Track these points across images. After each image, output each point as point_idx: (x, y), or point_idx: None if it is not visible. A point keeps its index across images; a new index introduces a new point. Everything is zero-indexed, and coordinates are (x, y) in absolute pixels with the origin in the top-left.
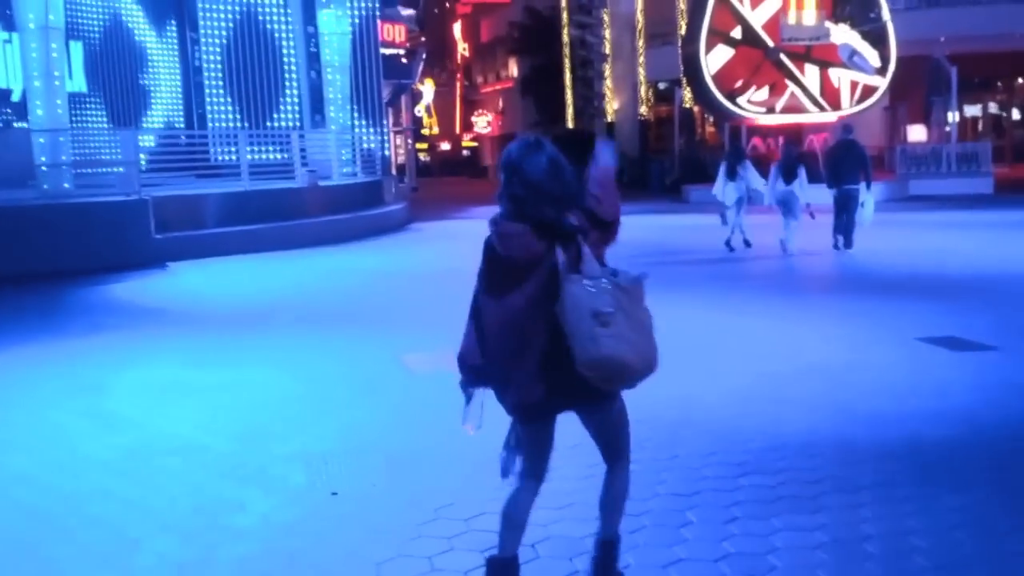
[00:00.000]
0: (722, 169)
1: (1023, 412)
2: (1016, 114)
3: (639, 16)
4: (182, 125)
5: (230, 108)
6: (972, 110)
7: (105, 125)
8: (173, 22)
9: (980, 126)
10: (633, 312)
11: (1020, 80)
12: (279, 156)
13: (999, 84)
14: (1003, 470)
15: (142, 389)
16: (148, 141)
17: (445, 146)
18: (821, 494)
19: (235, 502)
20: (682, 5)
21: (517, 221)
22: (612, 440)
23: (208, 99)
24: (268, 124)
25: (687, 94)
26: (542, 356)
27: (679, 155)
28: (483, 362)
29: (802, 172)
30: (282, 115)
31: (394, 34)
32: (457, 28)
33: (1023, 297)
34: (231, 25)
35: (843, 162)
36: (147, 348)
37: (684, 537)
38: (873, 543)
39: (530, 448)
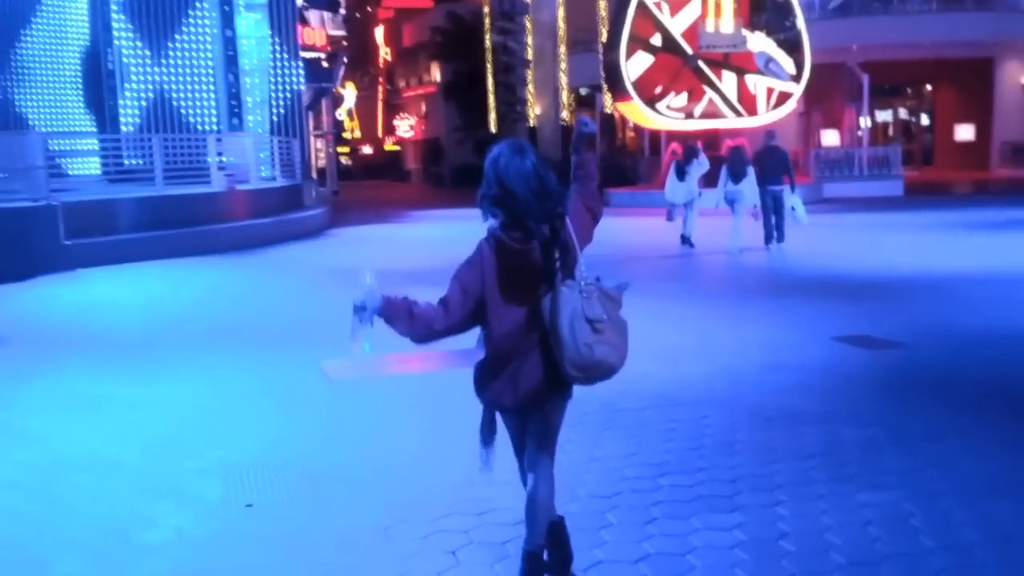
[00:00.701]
0: (672, 170)
1: (933, 410)
2: (925, 119)
3: (561, 23)
4: (95, 128)
5: (144, 111)
6: (883, 115)
7: (13, 128)
8: (86, 23)
9: (891, 131)
10: (616, 317)
11: (928, 87)
12: (195, 160)
13: (908, 91)
14: (916, 470)
15: (49, 403)
16: (62, 145)
17: (367, 150)
18: (738, 493)
19: (147, 518)
20: (603, 12)
21: (513, 229)
22: (552, 436)
23: (121, 102)
24: (184, 127)
25: (608, 100)
26: (542, 352)
27: (600, 159)
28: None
29: (751, 172)
30: (199, 118)
31: (314, 38)
32: (379, 32)
33: (931, 296)
34: (147, 26)
35: (767, 166)
36: (54, 360)
37: (603, 539)
38: (789, 541)
39: (520, 446)
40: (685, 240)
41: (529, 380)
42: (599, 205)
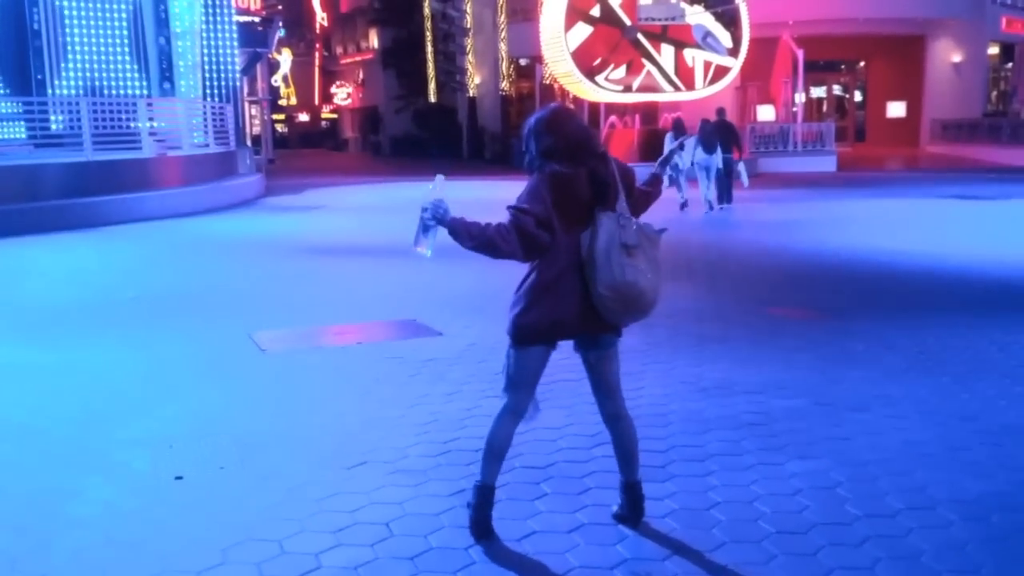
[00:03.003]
0: (669, 141)
1: (860, 381)
2: (858, 96)
3: None
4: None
5: (71, 74)
6: (817, 91)
7: None
8: None
9: (824, 107)
10: (651, 253)
11: (862, 63)
12: (126, 125)
13: (842, 67)
14: (843, 439)
15: None
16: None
17: (304, 117)
18: (671, 463)
19: (73, 490)
20: None
21: (564, 165)
22: (616, 382)
23: (47, 64)
24: (113, 91)
25: (547, 70)
26: (578, 281)
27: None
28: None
29: (718, 145)
30: (128, 82)
31: (249, 1)
32: None
33: (862, 270)
34: None
35: (722, 136)
36: None
37: (538, 510)
38: (721, 510)
39: (525, 382)
40: (709, 204)
41: (570, 305)
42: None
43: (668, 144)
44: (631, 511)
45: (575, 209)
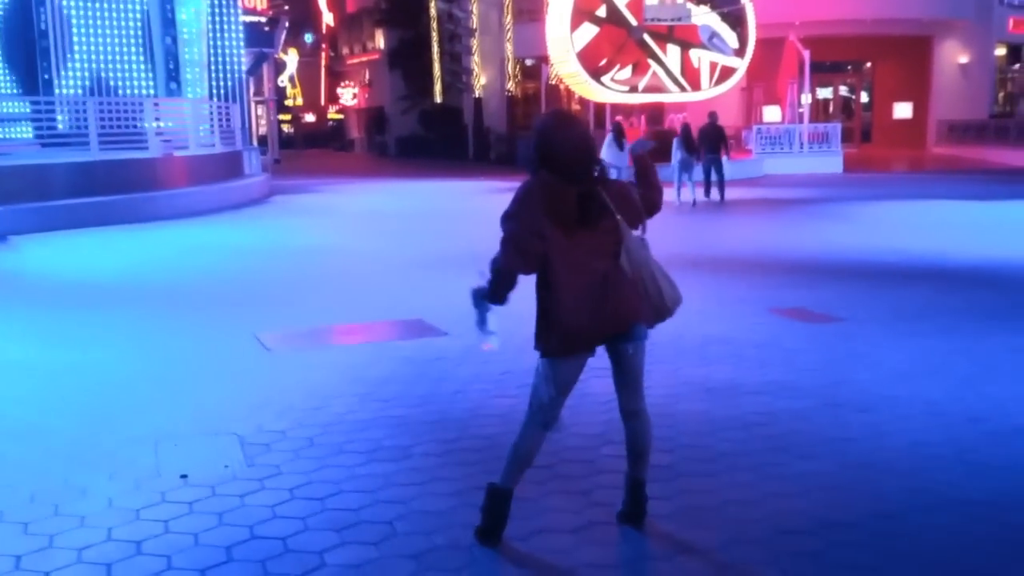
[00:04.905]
0: (611, 140)
1: (865, 382)
2: (864, 97)
3: None
4: (26, 91)
5: (78, 74)
6: (824, 92)
7: None
8: None
9: (831, 108)
10: None
11: (868, 64)
12: (132, 125)
13: (849, 68)
14: (847, 439)
15: None
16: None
17: (310, 118)
18: (678, 462)
19: (79, 488)
20: None
21: (561, 181)
22: (639, 375)
23: (54, 64)
24: (120, 91)
25: (553, 71)
26: (608, 290)
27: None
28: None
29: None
30: (135, 82)
31: (255, 1)
32: None
33: (866, 271)
34: None
35: (709, 138)
36: None
37: (544, 508)
38: (727, 510)
39: (563, 393)
40: None
41: (604, 309)
42: (658, 199)
43: (608, 147)
44: (633, 508)
45: (565, 218)
